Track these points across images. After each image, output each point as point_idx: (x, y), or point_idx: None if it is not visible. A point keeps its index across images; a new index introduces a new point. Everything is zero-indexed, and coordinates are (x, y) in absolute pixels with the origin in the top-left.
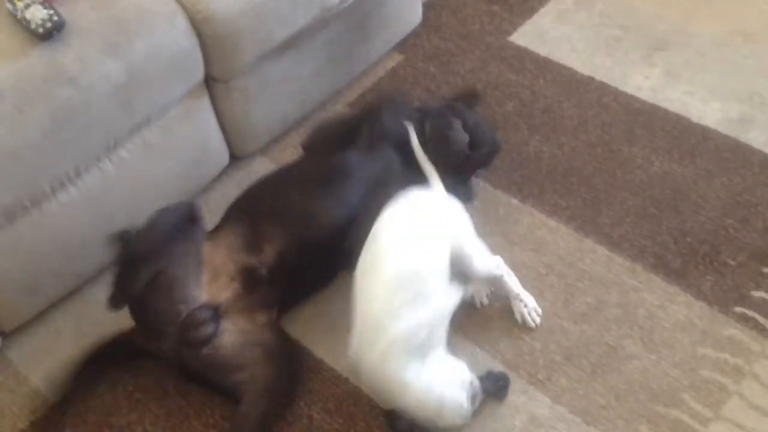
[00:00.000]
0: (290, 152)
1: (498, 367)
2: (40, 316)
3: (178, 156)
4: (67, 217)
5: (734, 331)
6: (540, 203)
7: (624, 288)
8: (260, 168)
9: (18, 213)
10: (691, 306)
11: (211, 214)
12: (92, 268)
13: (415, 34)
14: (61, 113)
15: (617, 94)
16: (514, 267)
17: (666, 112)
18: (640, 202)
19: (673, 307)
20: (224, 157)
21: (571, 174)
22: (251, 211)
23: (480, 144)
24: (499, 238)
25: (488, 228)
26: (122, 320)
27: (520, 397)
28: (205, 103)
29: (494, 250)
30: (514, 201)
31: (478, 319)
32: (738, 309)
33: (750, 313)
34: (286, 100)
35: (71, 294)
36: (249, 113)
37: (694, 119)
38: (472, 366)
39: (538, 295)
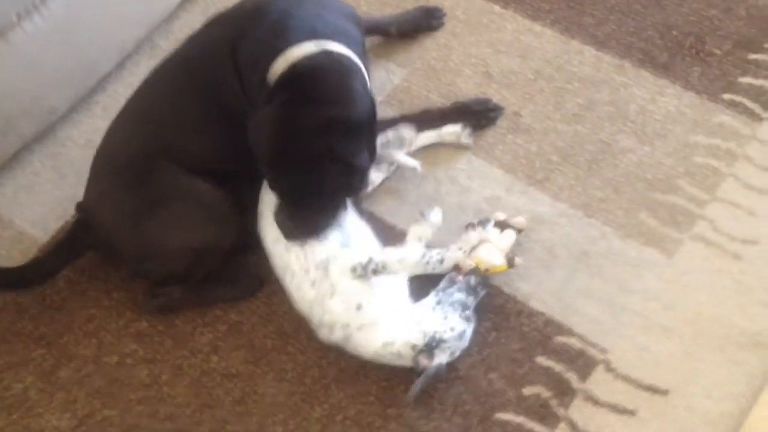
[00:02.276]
0: None
1: (496, 172)
2: (15, 159)
3: None
4: (35, 46)
5: (724, 117)
6: (522, 8)
7: (614, 85)
8: None
9: None
10: (681, 97)
11: (178, 43)
12: (64, 104)
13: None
14: None
15: None
16: (502, 75)
17: None
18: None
19: (663, 99)
20: None
21: None
22: None
23: None
24: (484, 48)
25: (473, 38)
26: None
27: (521, 198)
28: None
29: (480, 60)
30: (497, 8)
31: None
32: (726, 96)
33: (738, 98)
34: None
35: (44, 135)
36: None
37: None
38: (470, 174)
39: (528, 100)
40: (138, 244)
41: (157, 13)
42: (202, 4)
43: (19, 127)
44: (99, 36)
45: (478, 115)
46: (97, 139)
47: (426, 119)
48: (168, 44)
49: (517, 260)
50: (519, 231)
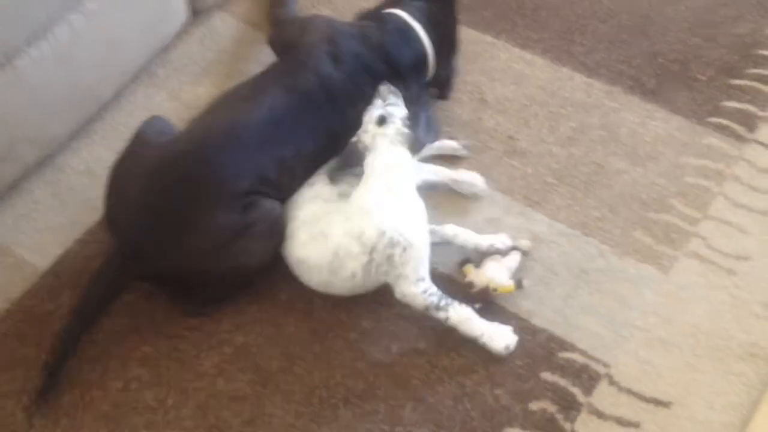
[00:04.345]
0: (248, 6)
1: (494, 194)
2: (15, 187)
3: (143, 9)
4: (40, 74)
5: (712, 139)
6: (513, 38)
7: (605, 110)
8: (221, 24)
9: None
10: (669, 121)
11: (176, 72)
12: (66, 132)
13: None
14: None
15: None
16: (497, 101)
17: None
18: (611, 29)
19: (653, 123)
20: (182, 13)
21: (540, 7)
22: None
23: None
24: (479, 75)
25: (467, 66)
26: (98, 188)
27: (519, 218)
28: None
29: (475, 87)
30: (488, 38)
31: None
32: (713, 119)
33: (724, 122)
34: None
35: (44, 162)
36: None
37: None
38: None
39: (523, 125)
40: (224, 266)
41: (157, 42)
42: (199, 34)
43: (21, 154)
44: (100, 64)
45: None
46: (96, 166)
47: None
48: (165, 72)
49: (525, 282)
50: (524, 253)
